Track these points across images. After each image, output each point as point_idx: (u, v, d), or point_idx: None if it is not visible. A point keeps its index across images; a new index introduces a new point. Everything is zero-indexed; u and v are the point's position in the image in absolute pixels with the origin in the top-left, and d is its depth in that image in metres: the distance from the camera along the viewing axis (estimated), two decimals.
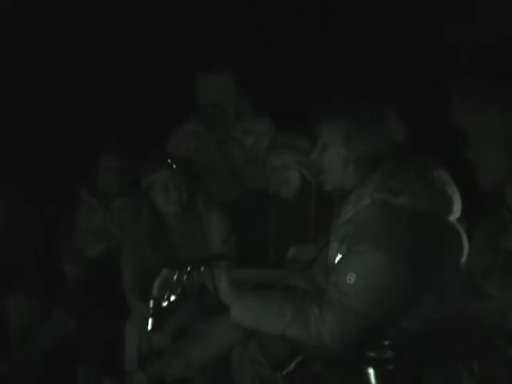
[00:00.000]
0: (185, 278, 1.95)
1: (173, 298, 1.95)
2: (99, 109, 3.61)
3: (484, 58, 2.46)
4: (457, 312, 1.51)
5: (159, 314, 2.03)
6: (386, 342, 1.36)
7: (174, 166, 2.78)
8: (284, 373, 1.53)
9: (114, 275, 2.83)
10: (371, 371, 1.33)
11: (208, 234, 2.79)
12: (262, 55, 3.54)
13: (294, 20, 3.55)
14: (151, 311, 2.02)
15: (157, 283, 1.98)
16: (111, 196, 3.22)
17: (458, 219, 1.79)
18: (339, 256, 1.82)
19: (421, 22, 3.23)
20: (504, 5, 2.81)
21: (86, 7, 3.62)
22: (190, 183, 2.82)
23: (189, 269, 1.96)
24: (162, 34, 3.64)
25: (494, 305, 1.42)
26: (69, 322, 2.83)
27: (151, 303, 2.04)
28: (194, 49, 3.56)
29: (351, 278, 1.70)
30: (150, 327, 2.09)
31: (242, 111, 3.17)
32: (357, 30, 3.38)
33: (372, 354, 1.34)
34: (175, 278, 1.96)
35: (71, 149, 3.48)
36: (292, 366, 1.54)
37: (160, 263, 2.15)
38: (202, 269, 1.95)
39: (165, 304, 1.96)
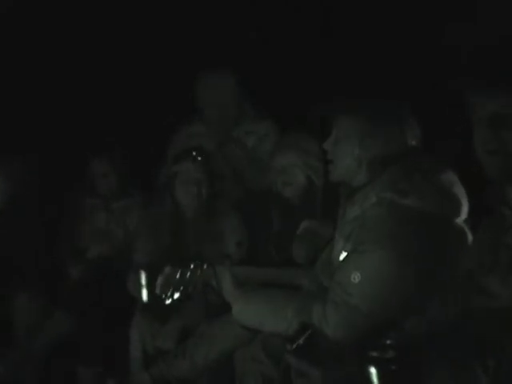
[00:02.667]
0: (188, 275, 1.95)
1: (176, 295, 1.95)
2: (99, 109, 3.61)
3: (484, 58, 2.46)
4: (460, 312, 1.50)
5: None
6: (388, 342, 1.36)
7: (199, 159, 2.78)
8: (294, 346, 1.53)
9: (116, 275, 2.83)
10: (373, 371, 1.33)
11: (223, 234, 2.79)
12: (262, 55, 3.54)
13: (294, 20, 3.55)
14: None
15: (160, 281, 1.98)
16: (112, 197, 3.22)
17: (465, 220, 1.79)
18: (344, 254, 1.82)
19: (421, 22, 3.23)
20: (504, 5, 2.81)
21: (86, 7, 3.62)
22: (213, 181, 2.83)
23: (192, 266, 1.96)
24: (162, 34, 3.64)
25: (497, 303, 1.42)
26: (69, 322, 2.84)
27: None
28: (194, 49, 3.56)
29: (356, 277, 1.70)
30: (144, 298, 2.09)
31: (243, 112, 3.17)
32: (357, 30, 3.38)
33: (374, 354, 1.34)
34: (178, 275, 1.96)
35: (71, 148, 3.48)
36: (301, 340, 1.54)
37: (172, 258, 2.15)
38: (205, 267, 1.95)
39: (168, 302, 1.96)
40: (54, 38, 3.61)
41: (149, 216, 2.91)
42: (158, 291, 2.00)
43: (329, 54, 3.41)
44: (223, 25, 3.58)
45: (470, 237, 1.77)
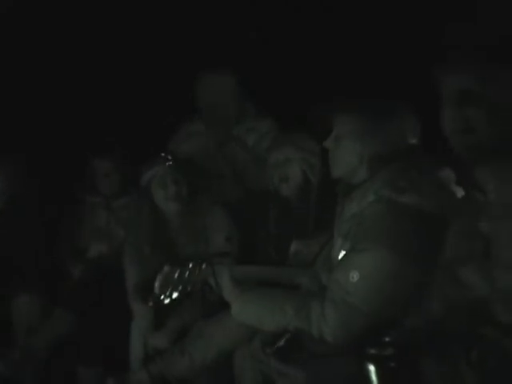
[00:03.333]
0: (186, 274, 1.95)
1: (175, 295, 1.95)
2: (99, 108, 3.61)
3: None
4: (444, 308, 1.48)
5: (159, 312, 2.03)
6: (387, 339, 1.36)
7: (169, 158, 2.77)
8: (274, 349, 1.53)
9: (116, 275, 2.83)
10: (372, 368, 1.33)
11: (210, 232, 2.77)
12: (263, 55, 3.54)
13: (294, 20, 3.55)
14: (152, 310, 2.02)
15: (158, 280, 1.98)
16: (113, 195, 3.23)
17: None
18: (342, 252, 1.83)
19: (421, 22, 3.23)
20: (504, 5, 2.81)
21: (86, 7, 3.62)
22: (191, 179, 2.81)
23: (191, 266, 1.95)
24: (162, 34, 3.64)
25: (475, 293, 1.40)
26: (69, 322, 2.83)
27: (150, 302, 2.05)
28: (194, 49, 3.56)
29: (354, 276, 1.70)
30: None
31: (244, 111, 3.16)
32: (357, 30, 3.38)
33: (373, 351, 1.34)
34: (177, 275, 1.95)
35: (71, 148, 3.48)
36: (282, 342, 1.54)
37: (162, 262, 2.14)
38: (204, 266, 1.94)
39: (166, 301, 1.96)
40: (54, 38, 3.61)
41: (134, 226, 2.90)
42: (156, 290, 2.00)
43: (329, 53, 3.41)
44: (223, 25, 3.58)
45: None
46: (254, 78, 3.26)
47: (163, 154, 2.81)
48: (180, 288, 1.95)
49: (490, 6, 2.92)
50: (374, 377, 1.34)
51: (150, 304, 2.05)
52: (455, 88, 1.45)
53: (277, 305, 1.83)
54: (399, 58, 3.24)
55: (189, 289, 1.96)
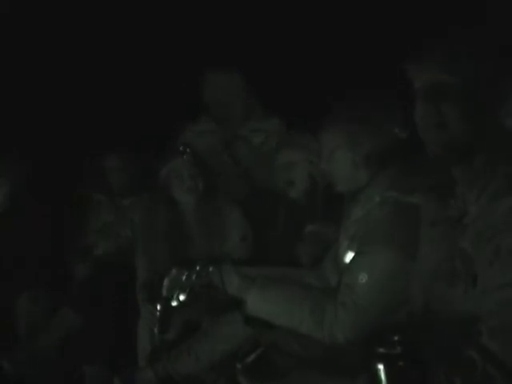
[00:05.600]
0: (194, 277, 1.95)
1: (182, 297, 1.95)
2: (105, 106, 3.62)
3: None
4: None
5: (167, 316, 2.04)
6: (396, 338, 1.36)
7: (187, 151, 2.77)
8: (243, 364, 1.54)
9: (122, 273, 2.84)
10: (381, 367, 1.33)
11: (227, 229, 2.78)
12: (269, 53, 3.54)
13: (301, 19, 3.56)
14: (159, 313, 2.03)
15: (166, 283, 1.98)
16: (120, 194, 3.23)
17: None
18: (350, 254, 1.83)
19: (421, 20, 3.24)
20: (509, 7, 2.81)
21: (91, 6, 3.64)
22: (207, 174, 2.80)
23: (198, 268, 1.96)
24: (168, 33, 3.65)
25: (458, 311, 1.35)
26: (76, 321, 2.84)
27: (158, 306, 2.05)
28: (201, 48, 3.57)
29: (363, 279, 1.71)
30: (157, 330, 2.10)
31: (251, 110, 3.17)
32: (360, 27, 3.39)
33: (382, 350, 1.34)
34: (184, 277, 1.96)
35: (78, 146, 3.49)
36: (251, 357, 1.54)
37: (173, 262, 2.14)
38: (212, 268, 1.95)
39: (174, 303, 1.96)
40: (56, 38, 3.63)
41: (146, 225, 2.89)
42: (164, 293, 2.00)
43: (335, 52, 3.42)
44: (230, 23, 3.59)
45: None
46: (261, 77, 3.26)
47: (181, 148, 2.80)
48: (187, 290, 1.95)
49: (498, 8, 2.92)
50: (382, 376, 1.34)
51: (158, 308, 2.06)
52: (425, 81, 1.37)
53: (296, 301, 1.81)
54: (403, 58, 3.24)
55: (196, 291, 1.96)
